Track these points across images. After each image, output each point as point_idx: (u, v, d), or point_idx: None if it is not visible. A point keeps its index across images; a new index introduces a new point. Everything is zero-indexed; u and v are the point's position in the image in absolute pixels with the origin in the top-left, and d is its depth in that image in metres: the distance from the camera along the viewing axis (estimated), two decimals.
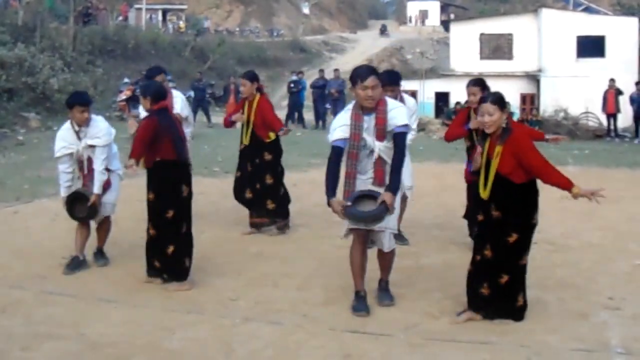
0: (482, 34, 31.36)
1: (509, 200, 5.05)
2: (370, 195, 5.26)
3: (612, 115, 23.14)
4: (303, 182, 11.21)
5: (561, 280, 6.31)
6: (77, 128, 6.52)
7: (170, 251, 6.05)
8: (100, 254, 6.90)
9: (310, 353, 4.75)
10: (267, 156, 7.97)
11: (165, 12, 48.83)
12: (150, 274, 6.26)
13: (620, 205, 9.56)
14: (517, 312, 5.23)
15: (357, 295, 5.53)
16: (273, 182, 8.03)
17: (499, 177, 5.03)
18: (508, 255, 5.12)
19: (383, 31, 60.23)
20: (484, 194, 5.12)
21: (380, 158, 5.33)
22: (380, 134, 5.30)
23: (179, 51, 36.64)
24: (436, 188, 10.86)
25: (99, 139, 6.55)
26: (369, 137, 5.30)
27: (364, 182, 5.39)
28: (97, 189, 6.52)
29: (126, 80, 25.28)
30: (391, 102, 5.40)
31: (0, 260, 6.86)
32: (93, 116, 6.62)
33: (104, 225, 6.90)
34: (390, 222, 5.40)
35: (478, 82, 6.99)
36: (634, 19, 30.31)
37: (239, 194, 8.25)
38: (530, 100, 29.88)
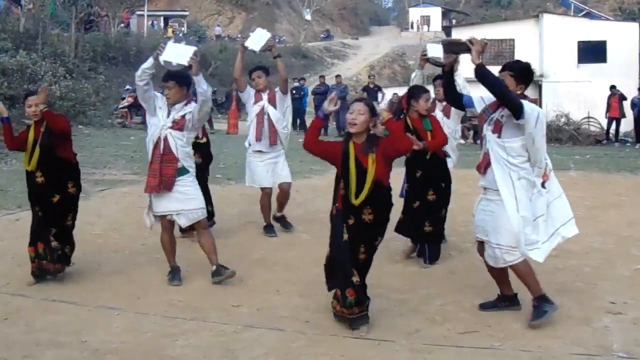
0: (483, 40, 31.35)
1: (381, 202, 5.16)
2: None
3: (615, 120, 23.16)
4: (305, 188, 11.23)
5: (563, 285, 6.30)
6: (171, 105, 6.28)
7: (52, 234, 6.38)
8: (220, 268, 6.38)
9: (313, 359, 4.75)
10: (198, 159, 7.77)
11: (167, 19, 48.96)
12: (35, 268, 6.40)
13: (622, 210, 9.55)
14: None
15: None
16: None
17: (374, 183, 5.08)
18: (372, 259, 5.25)
19: (325, 37, 59.05)
20: (358, 200, 5.08)
21: None
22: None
23: None
24: None
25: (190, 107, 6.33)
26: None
27: None
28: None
29: (128, 87, 25.34)
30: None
31: (2, 268, 6.87)
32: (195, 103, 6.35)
33: (204, 239, 6.43)
34: (498, 238, 5.25)
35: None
36: (635, 24, 30.32)
37: None
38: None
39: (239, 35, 52.15)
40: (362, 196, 5.08)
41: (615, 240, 8.04)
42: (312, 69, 45.41)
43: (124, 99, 23.97)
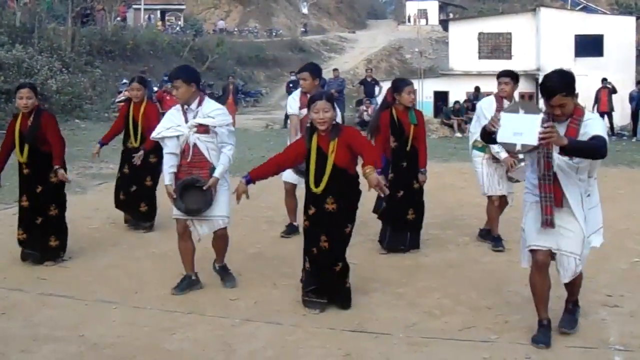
0: (480, 33, 31.37)
1: (346, 191, 5.34)
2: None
3: (605, 114, 23.18)
4: (302, 181, 11.20)
5: (559, 278, 6.30)
6: (185, 107, 5.76)
7: (38, 222, 6.74)
8: (223, 270, 6.30)
9: (310, 352, 4.76)
10: (153, 159, 8.10)
11: (163, 13, 48.84)
12: (23, 255, 6.82)
13: (619, 203, 9.56)
14: (347, 298, 5.57)
15: (540, 324, 4.94)
16: (152, 185, 8.25)
17: (335, 170, 5.26)
18: (343, 245, 5.46)
19: (304, 32, 56.98)
20: (319, 188, 5.31)
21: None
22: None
23: (177, 52, 36.63)
24: (435, 187, 10.84)
25: (212, 118, 5.70)
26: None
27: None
28: (218, 173, 5.73)
29: (125, 81, 25.30)
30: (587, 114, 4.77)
31: None
32: (208, 99, 5.89)
33: (217, 242, 6.17)
34: (575, 248, 4.82)
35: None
36: (632, 18, 30.41)
37: (116, 196, 8.49)
38: (528, 99, 29.90)
39: (236, 29, 52.11)
40: (323, 183, 5.25)
41: (612, 234, 8.01)
42: None
43: (120, 92, 23.93)
